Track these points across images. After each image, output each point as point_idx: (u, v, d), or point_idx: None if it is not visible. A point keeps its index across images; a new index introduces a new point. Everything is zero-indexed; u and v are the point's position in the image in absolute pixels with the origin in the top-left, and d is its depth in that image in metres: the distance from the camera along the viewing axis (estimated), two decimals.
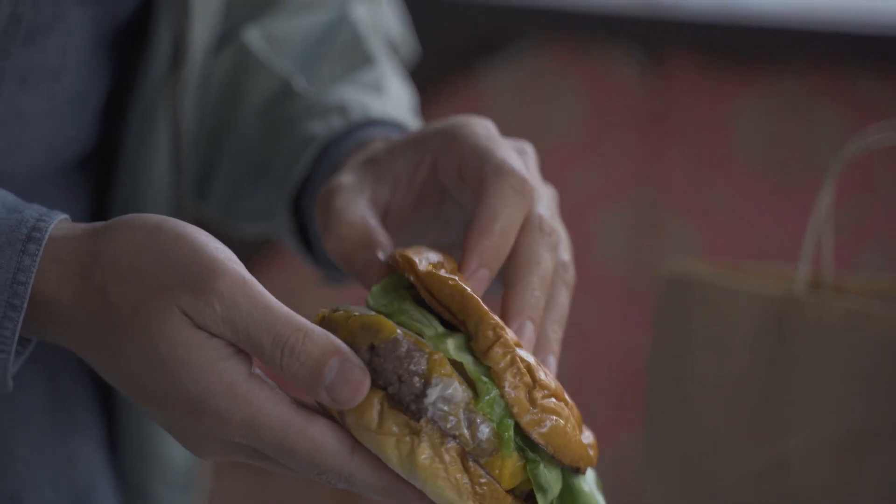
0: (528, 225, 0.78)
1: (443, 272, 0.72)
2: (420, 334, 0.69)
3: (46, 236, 0.73)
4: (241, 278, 0.69)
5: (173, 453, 1.14)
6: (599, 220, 2.11)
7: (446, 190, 0.82)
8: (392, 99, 1.04)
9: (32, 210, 0.75)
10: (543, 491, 0.69)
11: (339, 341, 0.67)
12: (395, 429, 0.66)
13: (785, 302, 1.09)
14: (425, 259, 0.74)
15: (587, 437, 0.74)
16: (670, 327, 1.17)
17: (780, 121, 1.78)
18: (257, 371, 0.69)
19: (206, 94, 1.13)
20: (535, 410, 0.67)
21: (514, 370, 0.67)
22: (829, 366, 1.08)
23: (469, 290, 0.70)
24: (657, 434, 1.22)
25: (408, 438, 0.65)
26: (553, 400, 0.68)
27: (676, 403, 1.19)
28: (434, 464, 0.66)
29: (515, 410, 0.66)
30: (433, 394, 0.66)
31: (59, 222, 0.75)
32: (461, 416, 0.67)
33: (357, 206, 0.83)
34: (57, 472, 1.13)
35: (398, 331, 0.67)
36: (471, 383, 0.68)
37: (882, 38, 2.06)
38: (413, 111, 1.08)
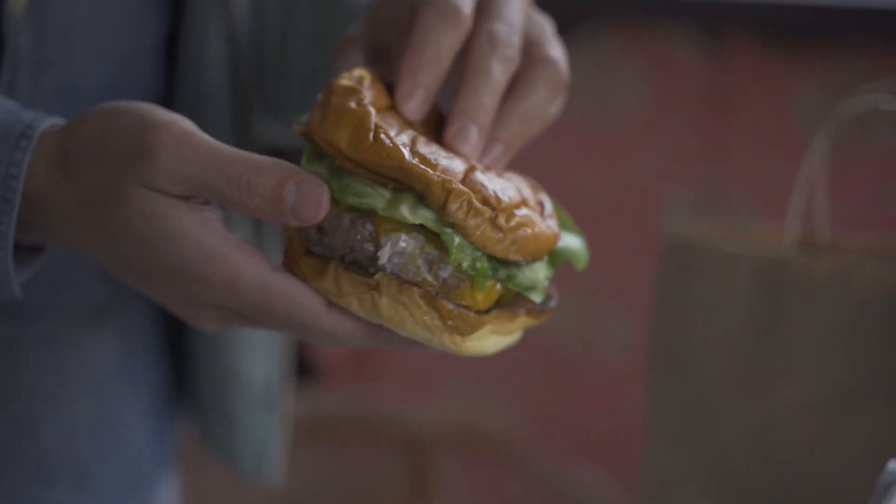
0: (476, 40, 0.80)
1: (366, 134, 0.73)
2: (372, 210, 0.71)
3: (38, 133, 0.77)
4: (180, 131, 0.73)
5: (252, 371, 1.18)
6: (664, 199, 2.11)
7: None
8: None
9: (28, 113, 0.79)
10: (532, 289, 0.73)
11: (290, 164, 0.71)
12: (352, 288, 0.70)
13: (775, 262, 1.11)
14: (338, 116, 0.75)
15: (548, 212, 0.78)
16: (670, 288, 1.18)
17: (841, 99, 1.79)
18: (231, 234, 0.73)
19: (260, 18, 1.14)
20: (502, 237, 0.70)
21: (473, 212, 0.69)
22: (818, 324, 1.10)
23: (399, 158, 0.72)
24: (661, 392, 1.24)
25: (367, 295, 0.69)
26: (516, 214, 0.72)
27: (677, 361, 1.21)
28: (399, 311, 0.69)
29: (486, 246, 0.70)
30: (385, 252, 0.70)
31: (51, 123, 0.79)
32: (419, 262, 0.70)
33: (350, 58, 0.86)
34: (124, 442, 1.20)
35: (340, 212, 0.71)
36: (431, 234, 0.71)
37: None
38: None
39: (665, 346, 1.19)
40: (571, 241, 0.81)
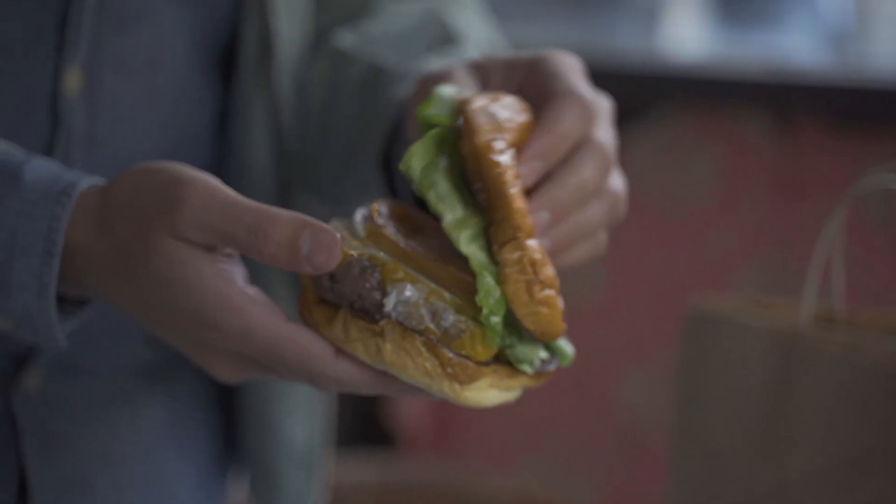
0: (583, 143, 0.84)
1: (497, 147, 0.76)
2: (438, 217, 0.75)
3: (77, 191, 0.81)
4: (204, 184, 0.76)
5: (295, 434, 1.19)
6: (736, 279, 2.09)
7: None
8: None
9: (69, 174, 0.84)
10: (524, 364, 0.77)
11: (304, 216, 0.73)
12: (358, 334, 0.72)
13: (790, 335, 1.10)
14: (489, 123, 0.78)
15: (562, 304, 0.79)
16: (691, 359, 1.19)
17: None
18: (250, 287, 0.77)
19: (305, 100, 1.18)
20: (530, 303, 0.73)
21: (519, 268, 0.72)
22: (829, 395, 1.10)
23: (509, 182, 0.75)
24: (681, 459, 1.24)
25: (372, 341, 0.71)
26: (548, 292, 0.74)
27: (697, 429, 1.22)
28: (401, 357, 0.72)
29: (514, 302, 0.73)
30: (391, 300, 0.72)
31: (91, 183, 0.84)
32: (423, 311, 0.73)
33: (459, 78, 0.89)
34: (174, 501, 1.22)
35: (352, 254, 0.73)
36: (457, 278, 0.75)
37: None
38: None
39: (685, 414, 1.21)
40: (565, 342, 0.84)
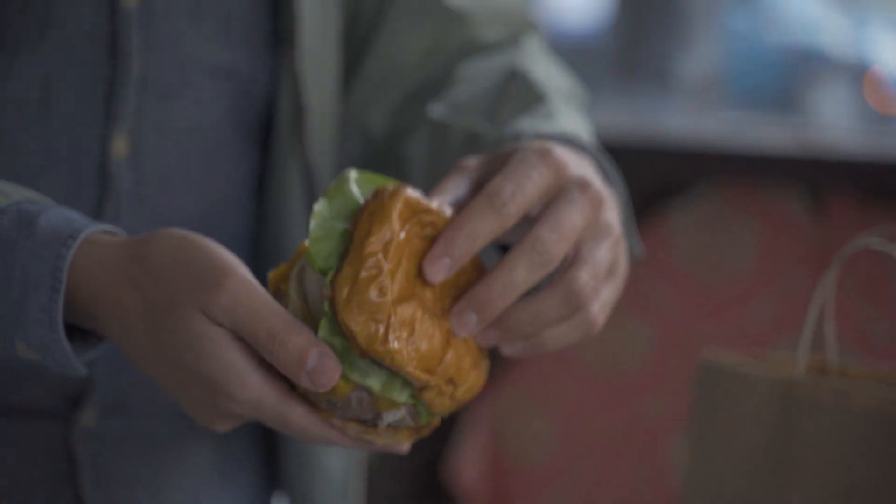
0: (523, 241, 0.83)
1: (385, 339, 0.78)
2: (370, 389, 0.79)
3: (82, 236, 0.84)
4: (243, 279, 0.80)
5: (332, 464, 1.21)
6: (775, 347, 2.05)
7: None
8: (563, 122, 1.06)
9: (83, 221, 0.87)
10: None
11: (317, 338, 0.77)
12: (355, 430, 0.80)
13: (787, 384, 1.15)
14: (364, 322, 0.79)
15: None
16: (701, 408, 1.24)
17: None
18: (263, 364, 0.80)
19: (407, 174, 1.17)
20: (452, 403, 0.83)
21: (439, 394, 0.81)
22: (823, 437, 1.15)
23: (405, 359, 0.79)
24: (692, 494, 1.27)
25: (367, 433, 0.81)
26: (460, 387, 0.83)
27: (707, 473, 1.27)
28: (388, 439, 0.82)
29: (438, 411, 0.82)
30: (384, 420, 0.80)
31: (104, 231, 0.87)
32: (407, 419, 0.81)
33: (456, 182, 0.89)
34: None
35: (351, 385, 0.79)
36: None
37: None
38: (588, 132, 1.10)
39: (697, 456, 1.25)
40: None
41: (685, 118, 2.36)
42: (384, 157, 1.18)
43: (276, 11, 1.10)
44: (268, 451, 1.22)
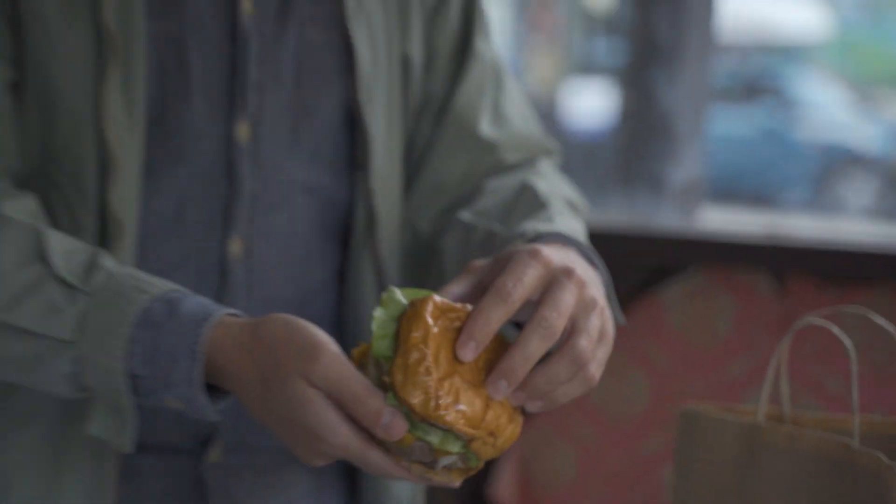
0: (531, 322, 0.85)
1: (437, 407, 0.81)
2: (430, 444, 0.83)
3: (214, 318, 0.90)
4: (334, 353, 0.84)
5: (403, 492, 1.22)
6: (744, 399, 2.01)
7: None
8: (559, 223, 1.07)
9: (213, 307, 0.92)
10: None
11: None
12: (418, 470, 0.84)
13: (750, 428, 1.15)
14: (420, 395, 0.81)
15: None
16: (683, 448, 1.22)
17: (871, 326, 1.80)
18: (348, 418, 0.83)
19: (442, 263, 1.17)
20: (495, 451, 0.84)
21: (484, 445, 0.83)
22: (780, 473, 1.14)
23: (454, 421, 0.81)
24: None
25: (427, 474, 0.84)
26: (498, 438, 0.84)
27: (689, 498, 1.22)
28: (444, 477, 0.85)
29: (484, 458, 0.84)
30: (440, 464, 0.84)
31: (230, 314, 0.92)
32: (458, 463, 0.84)
33: (460, 286, 0.91)
34: None
35: (414, 441, 0.82)
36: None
37: None
38: (580, 230, 1.12)
39: (680, 488, 1.24)
40: None
41: (675, 214, 2.37)
42: (426, 250, 1.18)
43: (353, 141, 1.12)
44: (350, 481, 1.22)
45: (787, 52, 8.78)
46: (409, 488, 1.21)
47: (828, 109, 8.44)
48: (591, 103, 7.07)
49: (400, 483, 1.19)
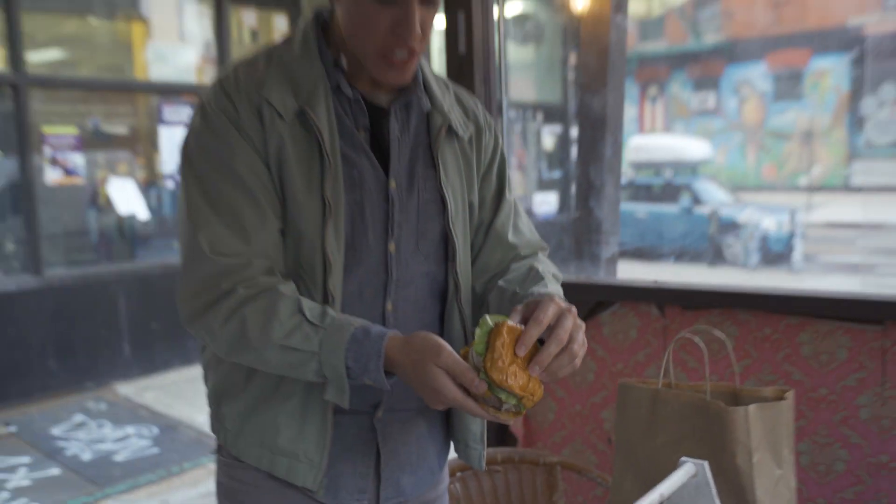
0: (557, 326, 0.90)
1: (504, 380, 0.86)
2: (500, 398, 0.88)
3: (388, 337, 0.94)
4: (449, 350, 0.90)
5: (476, 427, 1.20)
6: (646, 374, 2.00)
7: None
8: (551, 287, 1.08)
9: (385, 331, 0.96)
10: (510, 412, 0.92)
11: (480, 378, 0.88)
12: (492, 411, 0.90)
13: (653, 391, 1.26)
14: (497, 372, 0.86)
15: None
16: (620, 404, 1.30)
17: (712, 334, 1.48)
18: (457, 385, 0.89)
19: (484, 305, 1.15)
20: (532, 402, 0.91)
21: (526, 397, 0.89)
22: (670, 415, 1.22)
23: (515, 385, 0.86)
24: (620, 475, 1.30)
25: (496, 414, 0.90)
26: (534, 396, 0.90)
27: (622, 436, 1.30)
28: (505, 416, 0.90)
29: (529, 404, 0.90)
30: (504, 408, 0.90)
31: (394, 334, 0.95)
32: (513, 408, 0.90)
33: (515, 313, 0.95)
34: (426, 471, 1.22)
35: (491, 396, 0.88)
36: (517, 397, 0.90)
37: None
38: (560, 291, 1.11)
39: (618, 428, 1.30)
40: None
41: (605, 273, 2.32)
42: (480, 300, 1.19)
43: (446, 248, 1.12)
44: (446, 424, 1.24)
45: (689, 166, 9.95)
46: (480, 424, 1.23)
47: (715, 196, 9.50)
48: (549, 207, 7.48)
49: (475, 420, 1.21)
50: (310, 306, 0.97)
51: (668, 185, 9.58)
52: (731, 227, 8.83)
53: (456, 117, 1.12)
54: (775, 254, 8.38)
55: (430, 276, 1.11)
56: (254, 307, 0.95)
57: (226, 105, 0.99)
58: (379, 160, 1.05)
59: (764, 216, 8.63)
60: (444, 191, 1.09)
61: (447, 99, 1.13)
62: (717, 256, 8.88)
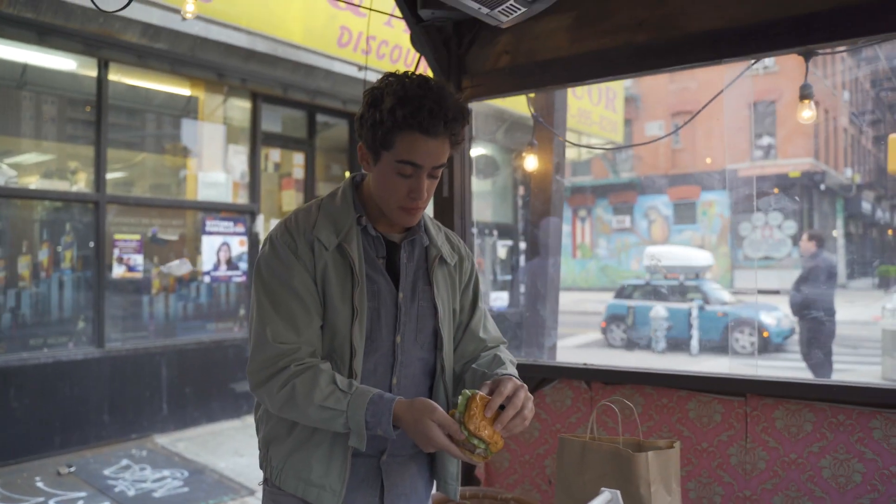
0: (515, 396, 0.94)
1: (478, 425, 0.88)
2: (475, 445, 0.90)
3: (395, 401, 0.96)
4: (441, 411, 0.92)
5: (453, 467, 1.19)
6: (578, 431, 1.93)
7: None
8: (509, 370, 1.10)
9: (394, 396, 0.98)
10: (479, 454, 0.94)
11: (461, 431, 0.91)
12: (467, 454, 0.91)
13: (583, 443, 1.30)
14: (472, 423, 0.88)
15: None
16: (560, 454, 1.33)
17: (624, 404, 1.74)
18: (445, 435, 0.92)
19: (461, 381, 1.16)
20: (496, 446, 0.93)
21: (496, 446, 0.90)
22: (594, 462, 1.26)
23: (484, 437, 0.88)
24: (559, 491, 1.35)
25: (470, 456, 0.91)
26: (498, 443, 0.91)
27: (563, 479, 1.34)
28: (477, 458, 0.92)
29: (495, 448, 0.93)
30: (476, 452, 0.92)
31: (400, 398, 0.97)
32: (482, 453, 0.93)
33: (486, 386, 0.97)
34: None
35: (467, 442, 0.90)
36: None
37: None
38: (515, 370, 1.14)
39: (559, 473, 1.32)
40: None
41: (546, 356, 2.37)
42: (458, 378, 1.19)
43: (436, 341, 1.15)
44: (432, 463, 1.23)
45: (696, 270, 9.66)
46: (456, 466, 1.22)
47: (719, 297, 9.34)
48: (502, 303, 7.38)
49: (453, 463, 1.21)
50: (340, 379, 1.02)
51: (683, 288, 9.31)
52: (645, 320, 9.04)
53: (446, 250, 1.18)
54: (678, 340, 8.54)
55: (424, 360, 1.15)
56: (301, 379, 1.00)
57: (288, 240, 1.06)
58: (392, 279, 1.11)
59: (668, 312, 8.93)
60: (437, 301, 1.14)
61: (440, 237, 1.20)
62: (631, 343, 9.14)
